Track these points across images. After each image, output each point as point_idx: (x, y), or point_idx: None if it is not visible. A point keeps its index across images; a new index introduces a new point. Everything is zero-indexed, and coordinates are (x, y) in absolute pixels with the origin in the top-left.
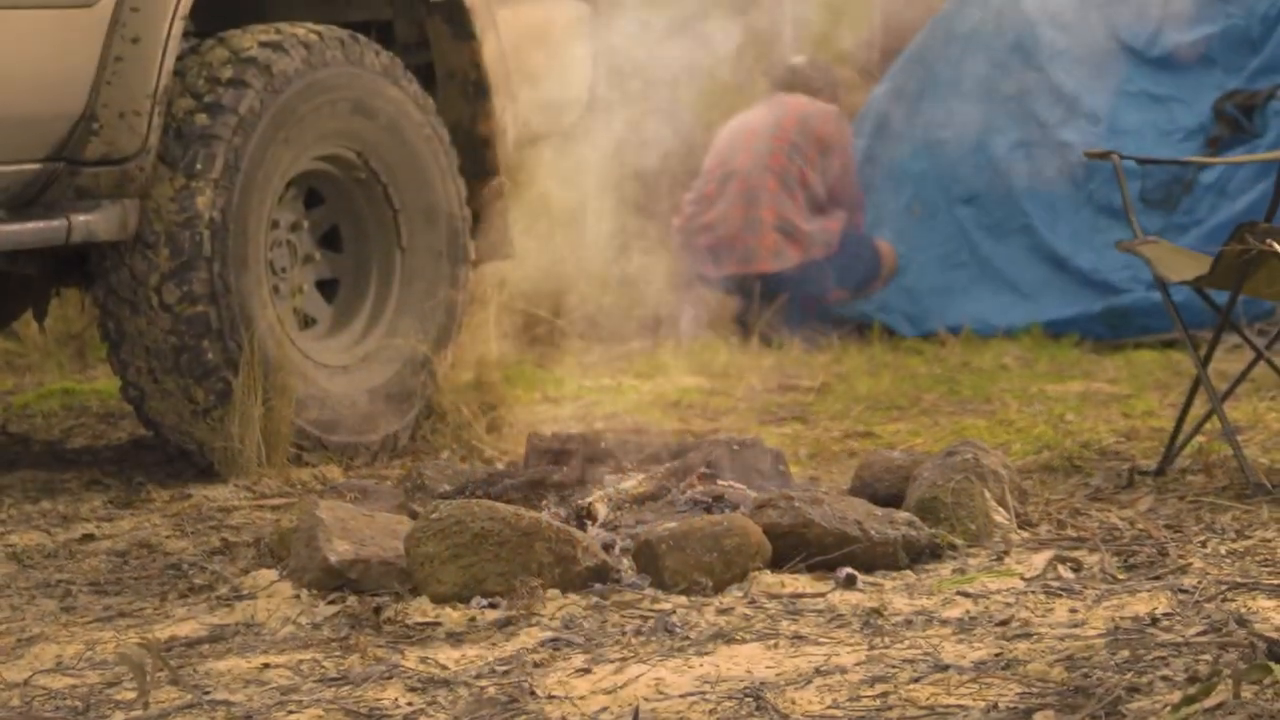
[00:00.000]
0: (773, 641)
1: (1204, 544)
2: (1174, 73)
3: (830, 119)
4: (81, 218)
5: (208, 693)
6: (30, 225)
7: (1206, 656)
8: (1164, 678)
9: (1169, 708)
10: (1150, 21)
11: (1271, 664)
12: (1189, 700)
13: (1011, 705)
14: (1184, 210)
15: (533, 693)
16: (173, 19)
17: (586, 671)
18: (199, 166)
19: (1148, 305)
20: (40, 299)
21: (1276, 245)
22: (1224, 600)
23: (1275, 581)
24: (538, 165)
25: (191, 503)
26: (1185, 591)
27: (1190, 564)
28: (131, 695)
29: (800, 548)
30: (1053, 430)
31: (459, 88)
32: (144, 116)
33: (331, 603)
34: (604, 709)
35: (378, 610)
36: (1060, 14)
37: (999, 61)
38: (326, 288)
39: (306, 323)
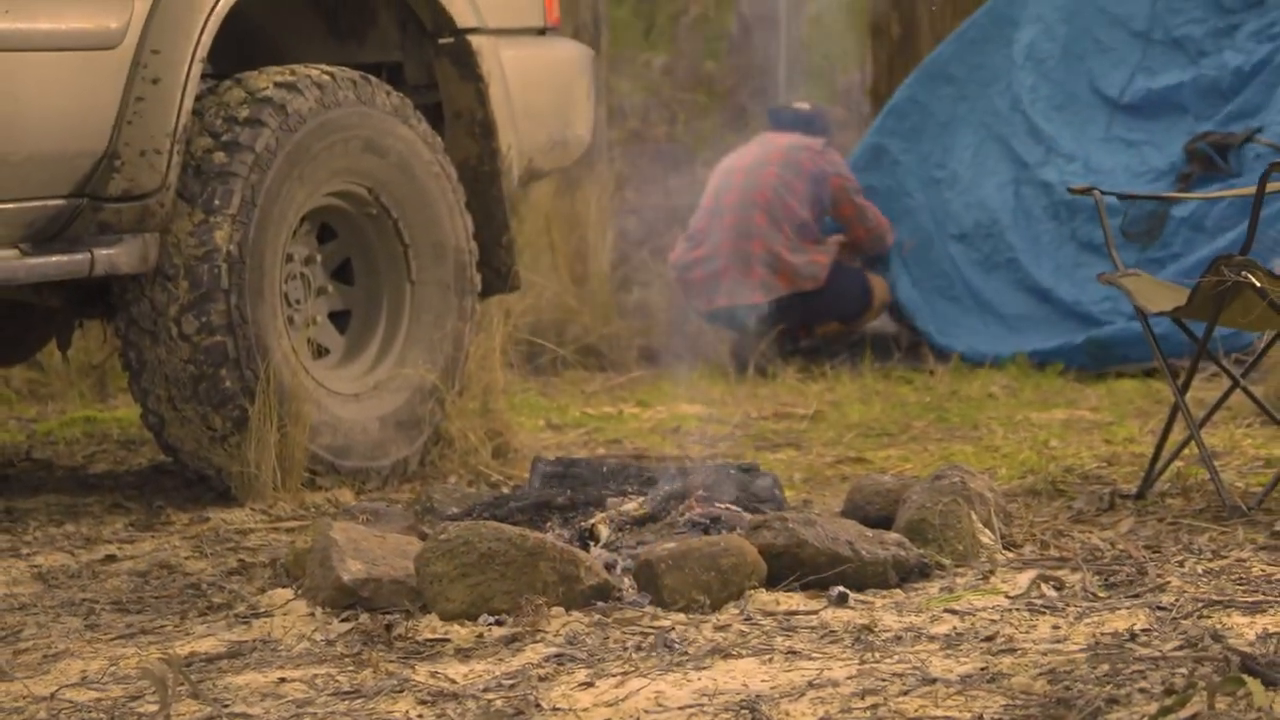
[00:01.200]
0: (768, 656)
1: (1181, 563)
2: (1146, 119)
3: (815, 151)
4: (104, 251)
5: (227, 705)
6: (55, 259)
7: (1183, 670)
8: (1142, 690)
9: (1146, 718)
10: (1125, 70)
11: (1245, 677)
12: (1165, 711)
13: (996, 716)
14: (1159, 246)
15: (538, 705)
16: (192, 61)
17: (589, 685)
18: (217, 202)
19: (1128, 336)
20: (64, 330)
21: (1251, 277)
22: (1200, 617)
23: (1249, 599)
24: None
25: (210, 525)
26: (1163, 609)
27: (1168, 582)
28: (153, 708)
29: (794, 567)
30: (1037, 455)
31: (466, 127)
32: (164, 154)
33: (345, 620)
34: (608, 718)
35: (389, 627)
36: (1043, 61)
37: (989, 106)
38: (339, 319)
39: (320, 352)
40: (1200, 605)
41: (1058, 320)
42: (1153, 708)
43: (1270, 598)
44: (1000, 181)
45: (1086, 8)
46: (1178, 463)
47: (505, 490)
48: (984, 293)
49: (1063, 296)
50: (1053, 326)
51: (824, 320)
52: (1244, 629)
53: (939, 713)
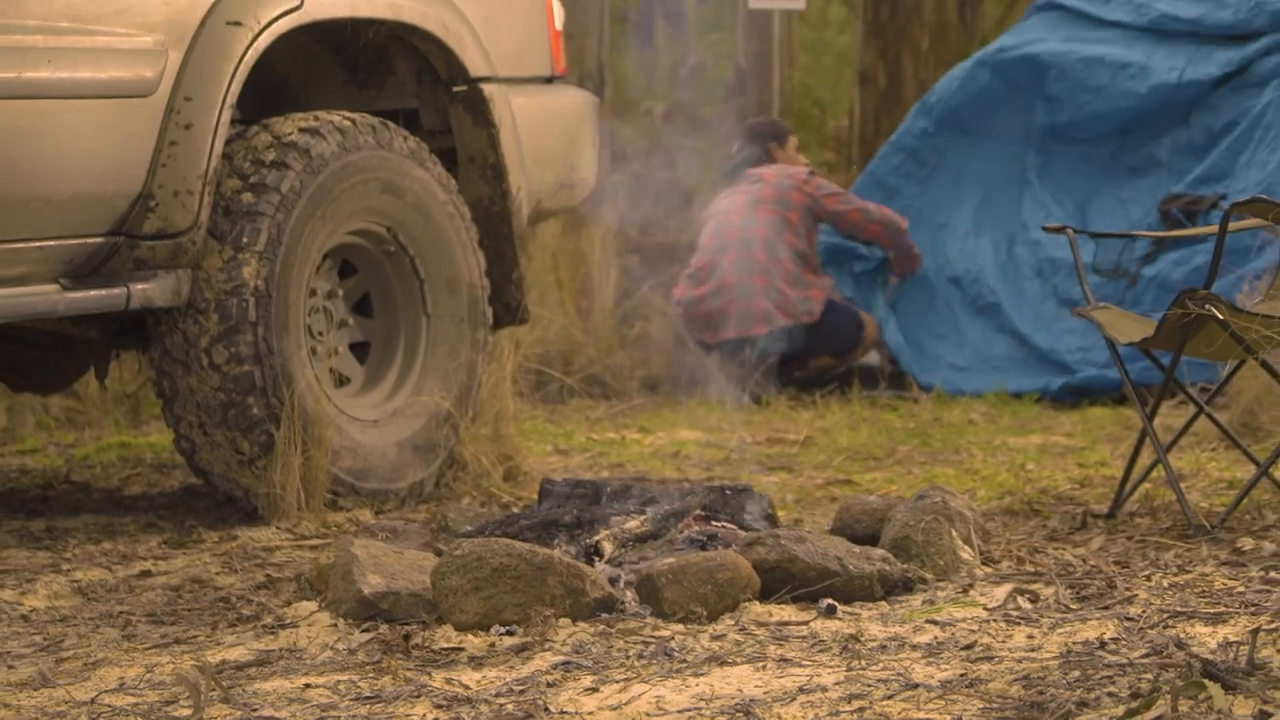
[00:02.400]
0: (761, 664)
1: (1148, 578)
2: (1129, 178)
3: (801, 180)
4: (139, 286)
5: (255, 709)
6: (93, 293)
7: (1148, 675)
8: (1110, 694)
9: (942, 712)
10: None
11: (1206, 681)
12: (1131, 714)
13: (974, 718)
14: (1130, 303)
15: (546, 709)
16: (222, 107)
17: (594, 691)
18: (245, 240)
19: (1101, 383)
20: (101, 360)
21: (1214, 310)
22: (1165, 627)
23: (1211, 610)
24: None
25: (238, 543)
26: (1131, 619)
27: (1136, 595)
28: (187, 712)
29: (786, 581)
30: (1014, 478)
31: (478, 169)
32: (196, 195)
33: (365, 630)
34: None
35: (407, 637)
36: (1058, 136)
37: (1001, 169)
38: (359, 350)
39: (341, 381)
40: (1165, 616)
41: (1035, 364)
42: (1120, 710)
43: (1231, 609)
44: (996, 237)
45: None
46: (1146, 484)
47: (515, 510)
48: (970, 332)
49: (1039, 343)
50: (1031, 369)
51: (818, 354)
52: (1206, 638)
53: (921, 715)
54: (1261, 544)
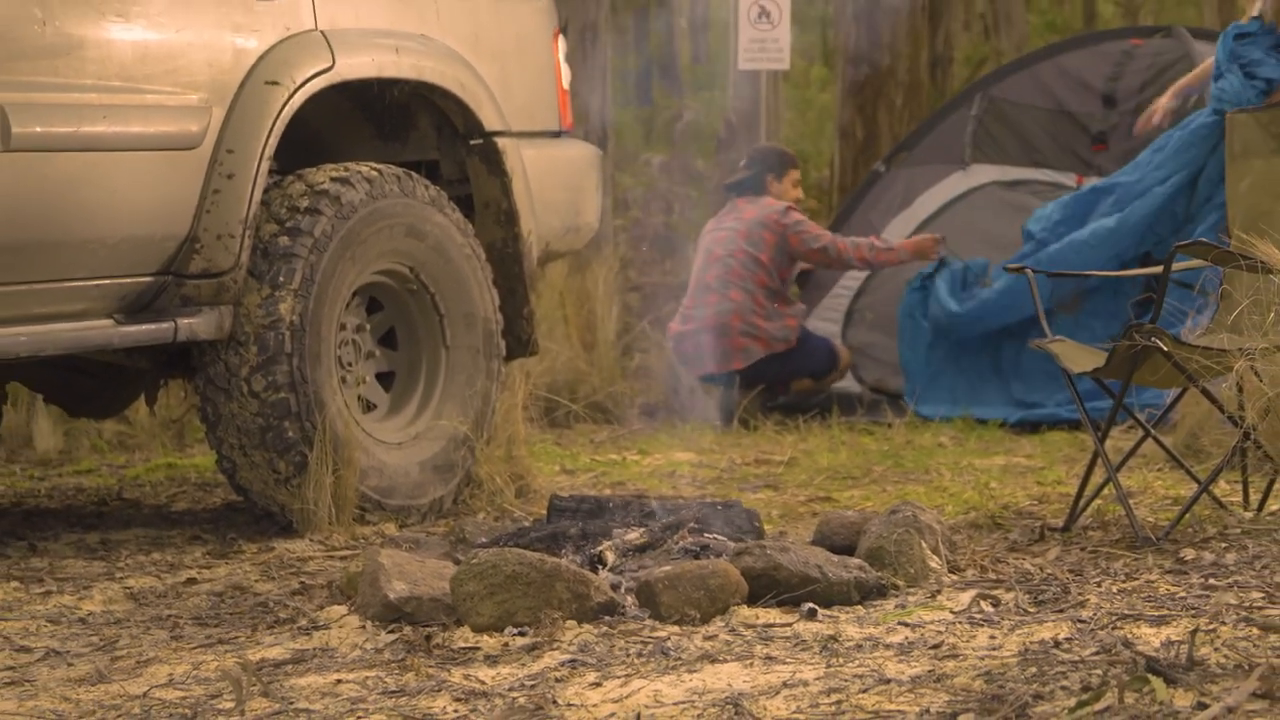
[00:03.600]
0: (749, 661)
1: (1099, 584)
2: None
3: (777, 216)
4: (186, 321)
5: (292, 703)
6: (144, 327)
7: (1098, 671)
8: (1064, 688)
9: (1067, 710)
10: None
11: (1150, 676)
12: (1082, 704)
13: (940, 710)
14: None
15: (554, 702)
16: (260, 159)
17: (598, 685)
18: (281, 279)
19: (1054, 420)
20: (151, 388)
21: (1159, 342)
22: (1113, 628)
23: (1156, 613)
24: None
25: (275, 553)
26: (1082, 621)
27: (1087, 600)
28: (230, 704)
29: (771, 587)
30: (979, 495)
31: (493, 215)
32: (237, 238)
33: (391, 632)
34: (612, 714)
35: (428, 637)
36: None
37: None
38: (384, 379)
39: (368, 407)
40: (1114, 618)
41: (1001, 403)
42: (1072, 702)
43: (1173, 612)
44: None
45: None
46: (1098, 501)
47: (526, 523)
48: (945, 372)
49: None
50: (996, 407)
51: (797, 377)
52: (1151, 637)
53: (892, 707)
54: (1202, 554)
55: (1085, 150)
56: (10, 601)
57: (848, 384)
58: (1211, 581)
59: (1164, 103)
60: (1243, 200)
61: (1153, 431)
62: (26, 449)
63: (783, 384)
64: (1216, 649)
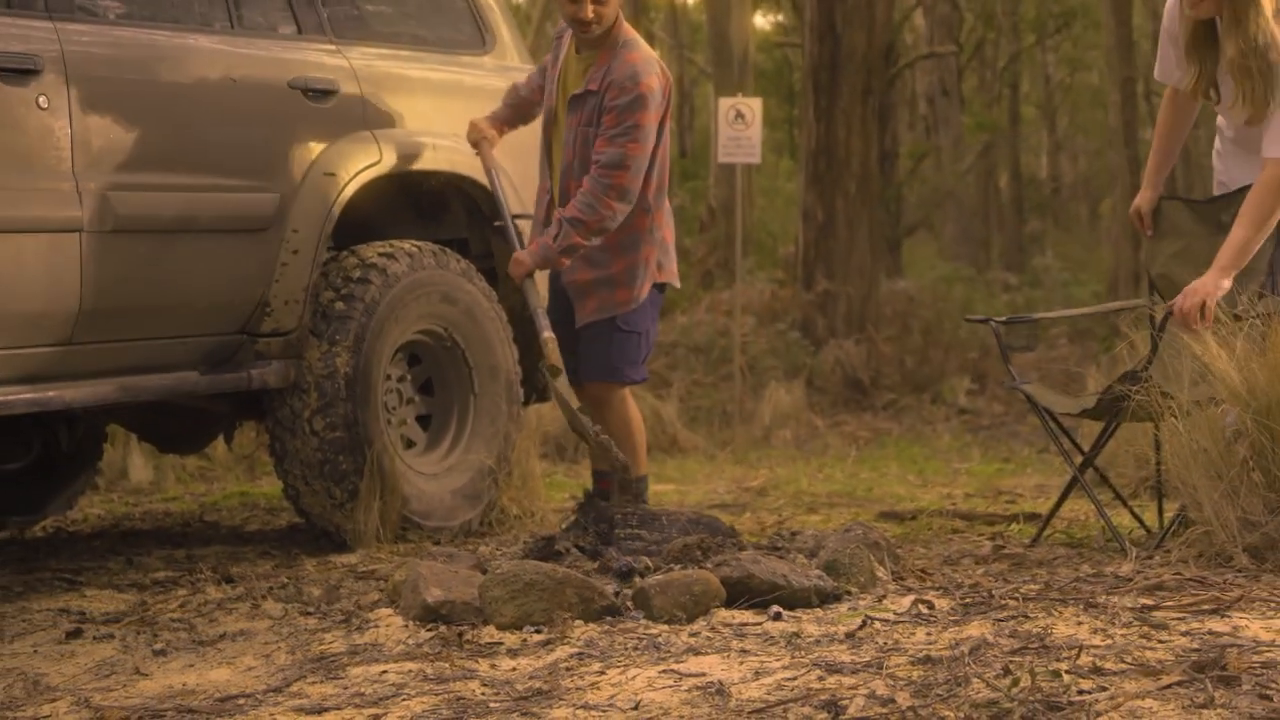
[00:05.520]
0: (727, 654)
1: (1016, 589)
2: None
3: None
4: (258, 372)
5: (348, 687)
6: (223, 377)
7: (1016, 659)
8: (987, 674)
9: (990, 688)
10: None
11: (1056, 664)
12: (1002, 684)
13: (884, 693)
14: None
15: (565, 687)
16: (320, 237)
17: (602, 673)
18: (337, 337)
19: None
20: (228, 428)
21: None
22: (1029, 625)
23: (1063, 612)
24: None
25: (332, 566)
26: (1003, 621)
27: (1007, 604)
28: (301, 684)
29: (745, 592)
30: (920, 521)
31: (512, 284)
32: (301, 303)
33: (429, 630)
34: (613, 697)
35: (460, 634)
36: None
37: None
38: (422, 420)
39: (409, 444)
40: (1029, 618)
41: None
42: (994, 683)
43: (1080, 614)
44: None
45: None
46: (1015, 526)
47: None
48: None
49: None
50: None
51: None
52: (1058, 632)
53: (844, 690)
54: (1119, 564)
55: None
56: (125, 602)
57: None
58: (1114, 586)
59: None
60: (1162, 269)
61: (1082, 479)
62: (123, 480)
63: None
64: (1113, 647)
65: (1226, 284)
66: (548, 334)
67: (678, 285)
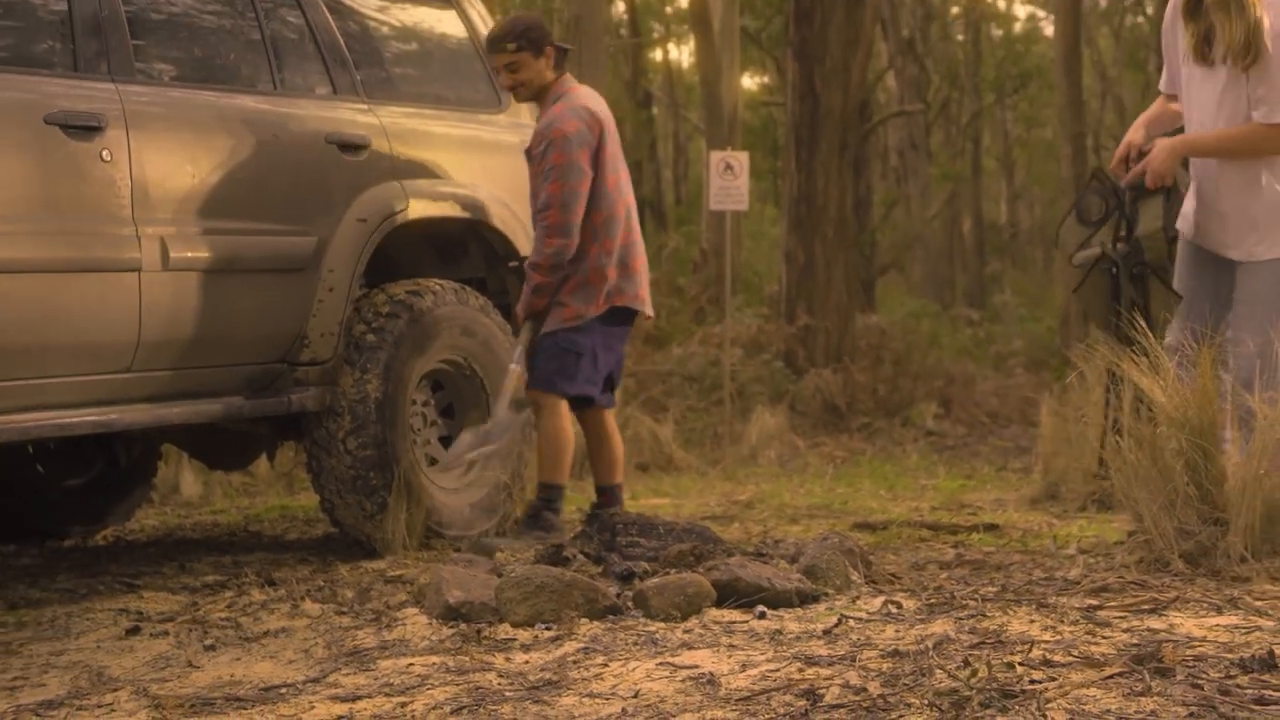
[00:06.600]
0: (716, 648)
1: (975, 591)
2: None
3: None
4: (297, 396)
5: (378, 678)
6: (266, 401)
7: (975, 652)
8: (949, 666)
9: (951, 678)
10: None
11: (1010, 656)
12: (962, 675)
13: (857, 683)
14: None
15: (572, 678)
16: (353, 277)
17: (605, 666)
18: (368, 366)
19: None
20: (270, 447)
21: None
22: (987, 623)
23: (1017, 611)
24: None
25: (364, 571)
26: (964, 619)
27: (968, 604)
28: (335, 675)
29: (733, 594)
30: (891, 531)
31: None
32: (335, 336)
33: (450, 627)
34: (616, 686)
35: (479, 631)
36: None
37: None
38: (445, 441)
39: (432, 462)
40: (988, 617)
41: None
42: (945, 674)
43: (1032, 613)
44: None
45: None
46: (976, 534)
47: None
48: None
49: None
50: None
51: None
52: (1013, 629)
53: (823, 681)
54: (1069, 568)
55: None
56: (179, 603)
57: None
58: (1071, 588)
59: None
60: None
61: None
62: (175, 494)
63: None
64: (1061, 642)
65: (1171, 162)
66: (514, 367)
67: (648, 313)
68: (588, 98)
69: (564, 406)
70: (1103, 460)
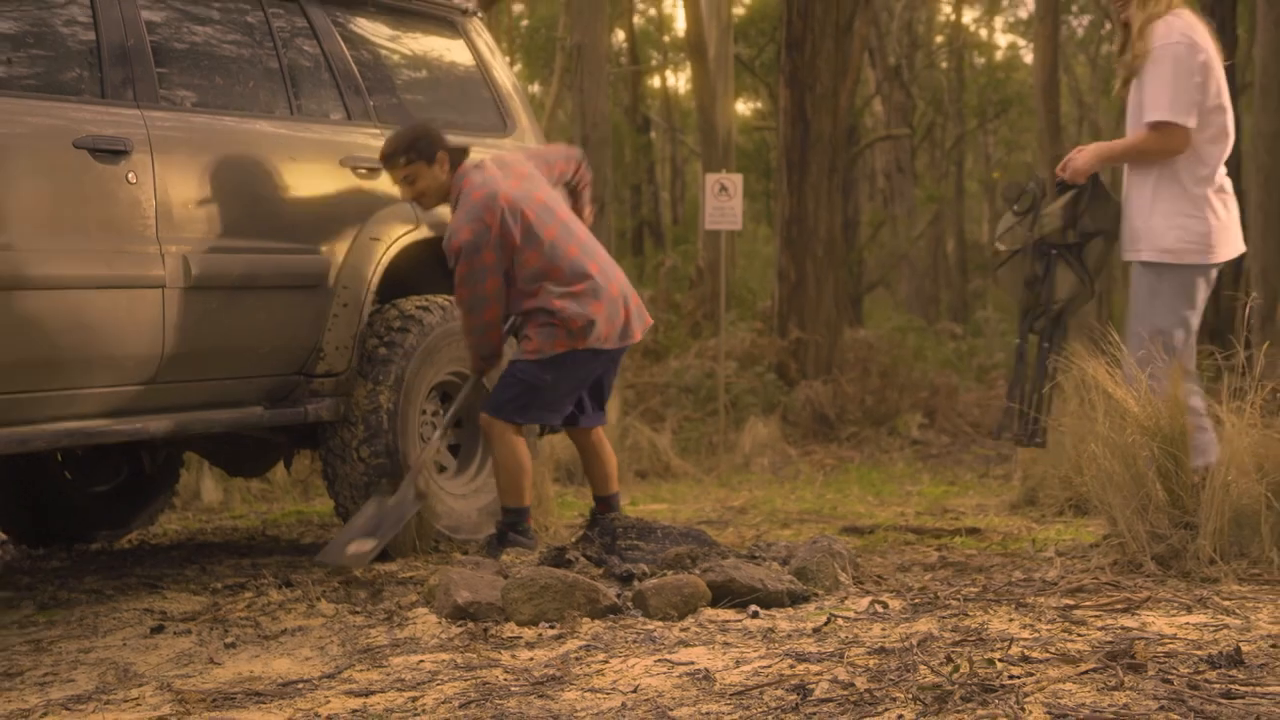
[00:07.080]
0: (712, 646)
1: (958, 592)
2: None
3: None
4: (313, 406)
5: (390, 674)
6: (284, 411)
7: (957, 649)
8: (933, 662)
9: (934, 673)
10: None
11: (990, 653)
12: (945, 670)
13: (844, 678)
14: None
15: (574, 674)
16: (366, 292)
17: (606, 662)
18: (381, 378)
19: None
20: (288, 456)
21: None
22: (969, 621)
23: (997, 611)
24: None
25: (376, 572)
26: (946, 618)
27: (950, 604)
28: (348, 671)
29: (728, 594)
30: (879, 535)
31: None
32: (349, 349)
33: (459, 626)
34: (616, 681)
35: (486, 630)
36: None
37: None
38: (452, 449)
39: (441, 469)
40: (969, 616)
41: None
42: (937, 670)
43: (1012, 612)
44: None
45: None
46: (957, 538)
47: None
48: None
49: None
50: None
51: None
52: (993, 627)
53: (812, 677)
54: (1046, 570)
55: None
56: (200, 603)
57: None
58: (1047, 590)
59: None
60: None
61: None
62: (195, 500)
63: None
64: (1039, 639)
65: (1091, 162)
66: (435, 438)
67: (608, 347)
68: (483, 185)
69: (515, 430)
70: (1024, 420)
